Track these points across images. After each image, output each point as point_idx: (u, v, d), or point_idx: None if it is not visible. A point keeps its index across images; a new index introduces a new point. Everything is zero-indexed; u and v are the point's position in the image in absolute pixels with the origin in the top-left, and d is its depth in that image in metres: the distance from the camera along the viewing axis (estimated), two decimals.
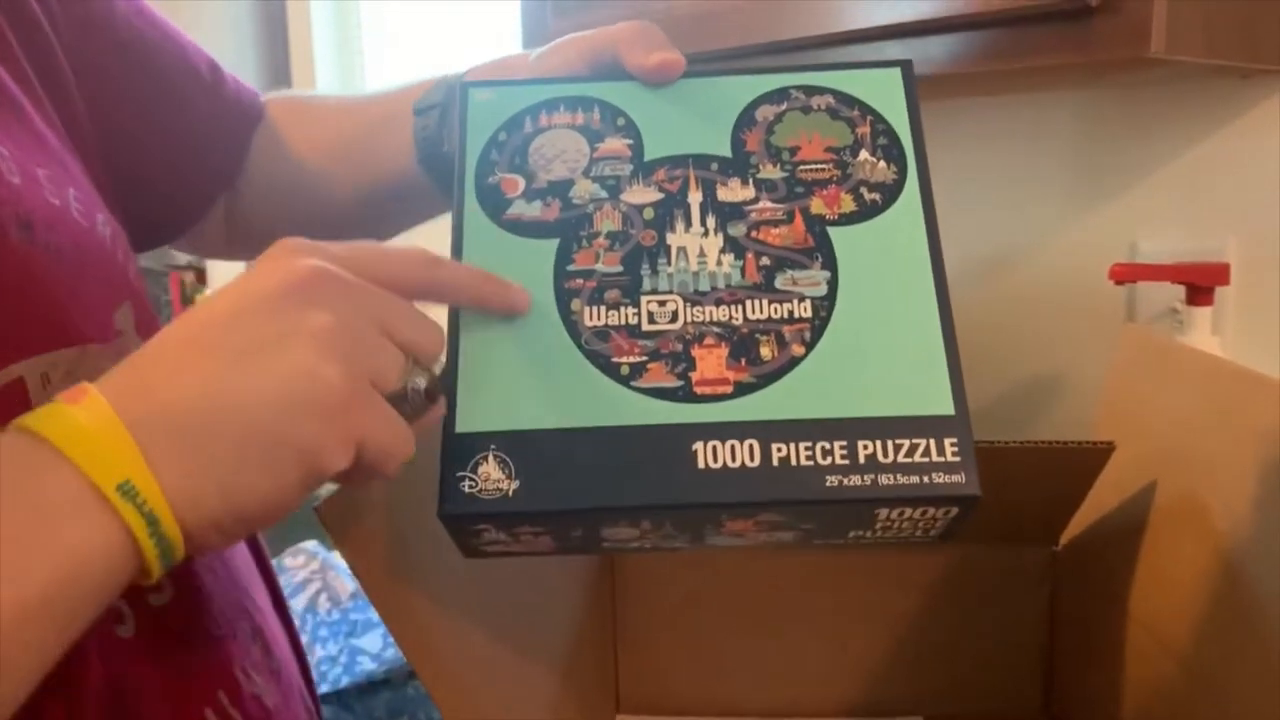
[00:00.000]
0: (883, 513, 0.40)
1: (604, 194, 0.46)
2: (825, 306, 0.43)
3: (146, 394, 0.34)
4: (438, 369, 0.41)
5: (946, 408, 0.41)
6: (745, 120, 0.47)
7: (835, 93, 0.48)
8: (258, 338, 0.35)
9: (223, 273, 2.00)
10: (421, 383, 0.39)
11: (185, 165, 0.61)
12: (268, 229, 0.66)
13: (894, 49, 0.76)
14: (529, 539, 0.42)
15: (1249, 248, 0.88)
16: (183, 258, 2.19)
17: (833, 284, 0.43)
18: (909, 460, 0.40)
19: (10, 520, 0.31)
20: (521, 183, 0.46)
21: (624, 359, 0.42)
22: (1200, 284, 0.81)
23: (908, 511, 0.40)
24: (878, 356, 0.42)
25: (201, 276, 2.06)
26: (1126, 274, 0.81)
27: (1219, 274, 0.81)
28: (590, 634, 0.69)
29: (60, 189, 0.46)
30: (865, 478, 0.39)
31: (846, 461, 0.40)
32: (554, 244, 0.45)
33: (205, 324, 0.36)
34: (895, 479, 0.39)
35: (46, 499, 0.32)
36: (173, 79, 0.60)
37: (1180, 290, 0.85)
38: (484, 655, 0.51)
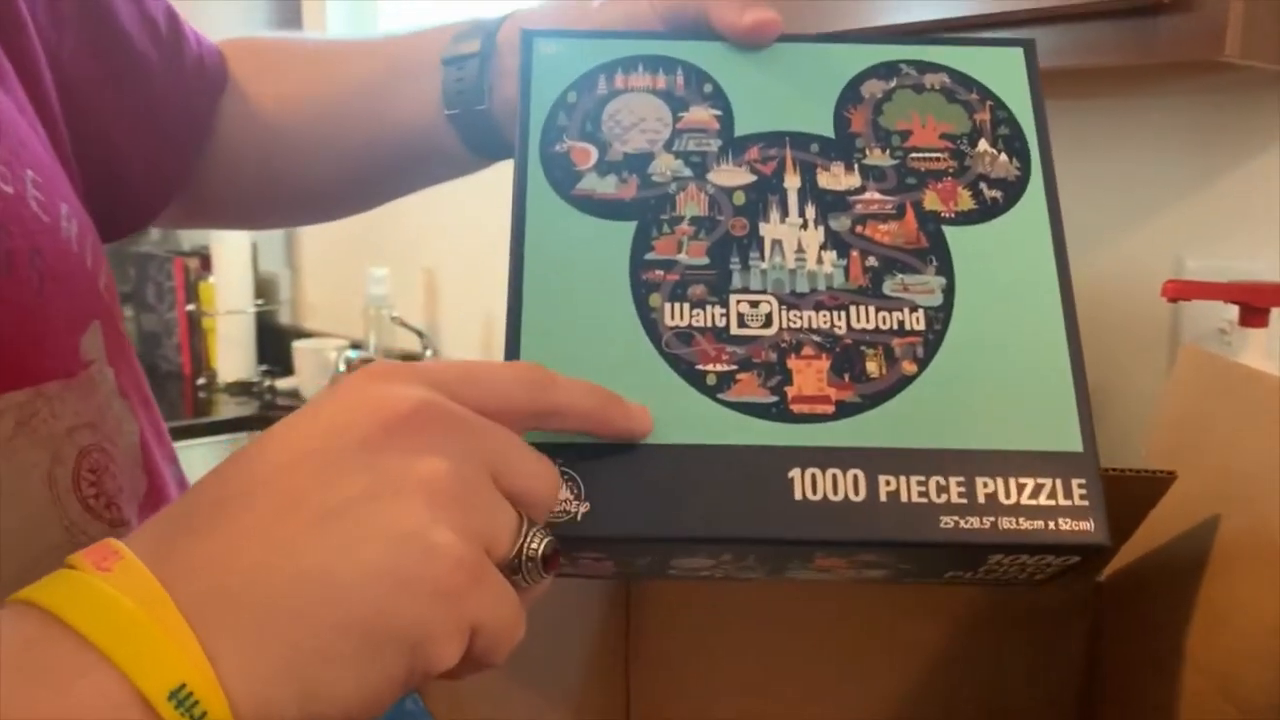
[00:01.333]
0: (996, 558, 0.36)
1: (688, 172, 0.40)
2: (940, 319, 0.38)
3: (201, 565, 0.26)
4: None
5: (1074, 444, 0.37)
6: (849, 96, 0.42)
7: (951, 71, 0.42)
8: (352, 491, 0.27)
9: (229, 259, 1.96)
10: (538, 547, 0.30)
11: (148, 150, 0.53)
12: (248, 193, 0.59)
13: None
14: (589, 563, 0.38)
15: None
16: (187, 242, 2.15)
17: (948, 292, 0.38)
18: (1033, 503, 0.35)
19: None
20: (594, 153, 0.41)
21: (710, 366, 0.37)
22: (1256, 304, 0.77)
23: (1023, 558, 0.36)
24: (998, 380, 0.37)
25: (207, 263, 2.02)
26: (1180, 291, 0.77)
27: (1277, 295, 0.76)
28: (602, 656, 0.65)
29: (14, 170, 0.38)
30: (985, 520, 0.35)
31: (964, 501, 0.35)
32: (631, 227, 0.39)
33: (277, 467, 0.28)
34: (1017, 523, 0.35)
35: (73, 712, 0.24)
36: (134, 44, 0.52)
37: (1229, 310, 0.81)
38: (493, 680, 0.47)
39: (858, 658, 0.68)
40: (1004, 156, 0.41)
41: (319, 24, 1.98)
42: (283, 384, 1.88)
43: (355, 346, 1.78)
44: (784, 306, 0.38)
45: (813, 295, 0.38)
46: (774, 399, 0.37)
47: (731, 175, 0.40)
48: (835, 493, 0.35)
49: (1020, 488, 0.36)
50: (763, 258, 0.39)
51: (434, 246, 1.74)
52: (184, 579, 0.26)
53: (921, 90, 0.42)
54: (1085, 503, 0.36)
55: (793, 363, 0.37)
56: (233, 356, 1.96)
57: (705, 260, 0.39)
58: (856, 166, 0.40)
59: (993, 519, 0.35)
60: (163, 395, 1.98)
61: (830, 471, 0.35)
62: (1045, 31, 0.69)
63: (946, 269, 0.39)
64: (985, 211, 0.40)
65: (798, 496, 0.35)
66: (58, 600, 0.25)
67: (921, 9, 0.73)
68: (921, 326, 0.38)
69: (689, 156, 0.40)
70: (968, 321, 0.38)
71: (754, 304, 0.38)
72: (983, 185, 0.40)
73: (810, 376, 0.37)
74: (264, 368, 1.96)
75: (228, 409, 1.84)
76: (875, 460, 0.36)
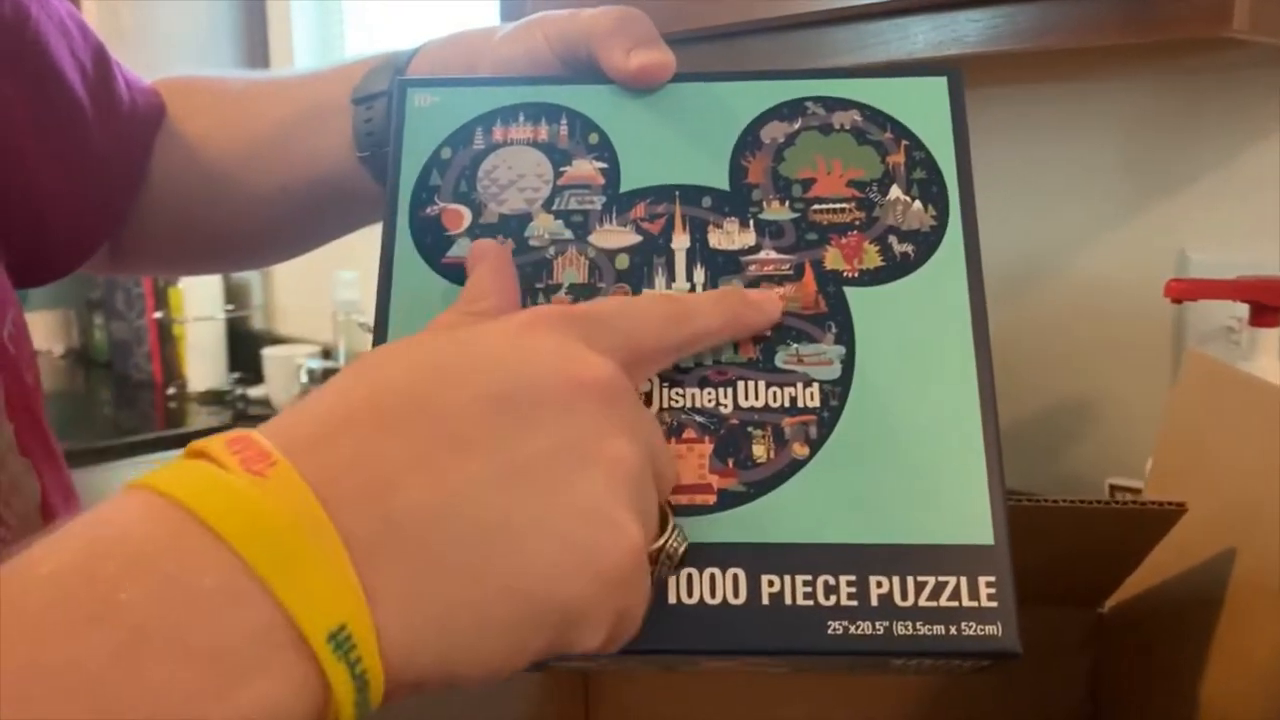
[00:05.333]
0: (898, 663, 0.32)
1: (568, 234, 0.37)
2: (837, 394, 0.34)
3: (360, 491, 0.23)
4: None
5: (984, 535, 0.32)
6: (748, 142, 0.38)
7: (863, 107, 0.38)
8: (538, 448, 0.25)
9: None
10: (680, 547, 0.31)
11: (77, 196, 0.51)
12: (168, 240, 0.56)
13: (920, 26, 0.66)
14: None
15: None
16: None
17: (848, 364, 0.34)
18: (933, 604, 0.31)
19: (177, 663, 0.20)
20: (467, 216, 0.37)
21: None
22: (1268, 303, 0.70)
23: (928, 662, 0.32)
24: (899, 464, 0.33)
25: None
26: (1184, 291, 0.70)
27: None
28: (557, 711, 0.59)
29: None
30: (877, 625, 0.31)
31: (854, 603, 0.31)
32: None
33: (452, 402, 0.25)
34: (913, 628, 0.31)
35: (227, 638, 0.21)
36: (67, 88, 0.49)
37: (1239, 308, 0.75)
38: None
39: (855, 694, 0.63)
40: (918, 204, 0.36)
41: (284, 21, 1.91)
42: (254, 392, 1.81)
43: (326, 354, 1.72)
44: (665, 384, 0.34)
45: (698, 370, 0.35)
46: None
47: (615, 236, 0.37)
48: (713, 595, 0.32)
49: (919, 587, 0.32)
50: None
51: None
52: (341, 502, 0.23)
53: (829, 131, 0.38)
54: (994, 604, 0.31)
55: (673, 447, 0.33)
56: (203, 364, 1.90)
57: None
58: (752, 222, 0.37)
59: (886, 624, 0.31)
60: (134, 406, 1.92)
61: (708, 571, 0.32)
62: (1035, 9, 0.63)
63: (847, 337, 0.35)
64: (893, 269, 0.36)
65: (671, 600, 0.32)
66: (206, 504, 0.22)
67: None
68: (816, 403, 0.34)
69: (570, 216, 0.37)
70: (867, 396, 0.34)
71: None
72: (892, 239, 0.36)
73: (691, 463, 0.33)
74: (236, 375, 1.90)
75: (199, 419, 1.78)
76: (758, 557, 0.32)
